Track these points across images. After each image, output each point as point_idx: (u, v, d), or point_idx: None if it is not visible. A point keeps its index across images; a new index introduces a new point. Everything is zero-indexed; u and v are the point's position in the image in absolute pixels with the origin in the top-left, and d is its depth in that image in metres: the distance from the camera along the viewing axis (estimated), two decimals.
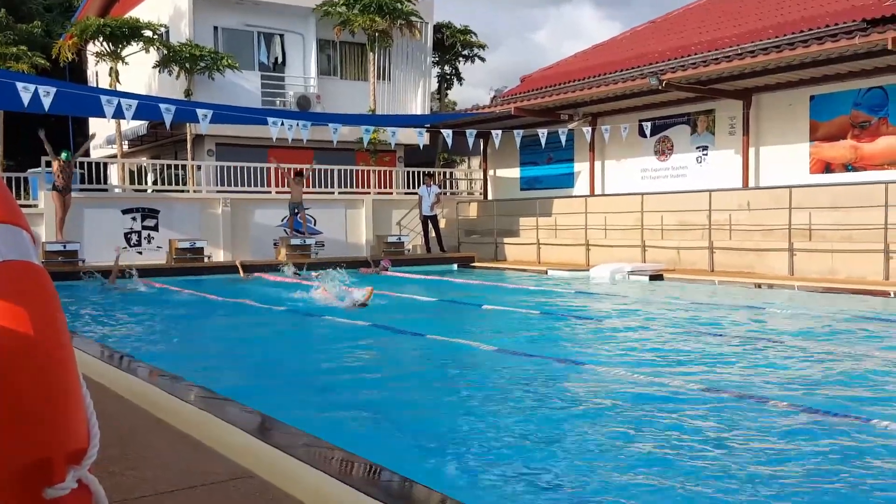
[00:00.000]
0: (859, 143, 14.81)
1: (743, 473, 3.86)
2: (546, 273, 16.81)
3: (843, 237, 13.74)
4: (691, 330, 8.69)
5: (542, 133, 18.27)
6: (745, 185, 16.36)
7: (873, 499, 3.55)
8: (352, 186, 21.44)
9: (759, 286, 13.29)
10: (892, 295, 11.56)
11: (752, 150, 16.49)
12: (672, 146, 18.31)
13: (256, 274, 16.33)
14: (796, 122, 15.78)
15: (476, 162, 25.18)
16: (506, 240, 20.32)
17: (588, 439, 4.51)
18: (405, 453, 4.30)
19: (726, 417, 4.92)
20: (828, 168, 15.32)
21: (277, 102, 22.47)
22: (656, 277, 14.86)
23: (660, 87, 16.17)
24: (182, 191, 19.62)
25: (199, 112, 15.14)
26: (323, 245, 19.83)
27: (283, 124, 16.03)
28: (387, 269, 17.54)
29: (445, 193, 22.72)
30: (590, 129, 19.06)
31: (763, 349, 7.51)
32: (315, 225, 20.13)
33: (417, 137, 18.20)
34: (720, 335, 8.36)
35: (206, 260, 17.57)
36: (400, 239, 20.01)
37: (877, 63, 13.95)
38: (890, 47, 12.49)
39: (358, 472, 3.22)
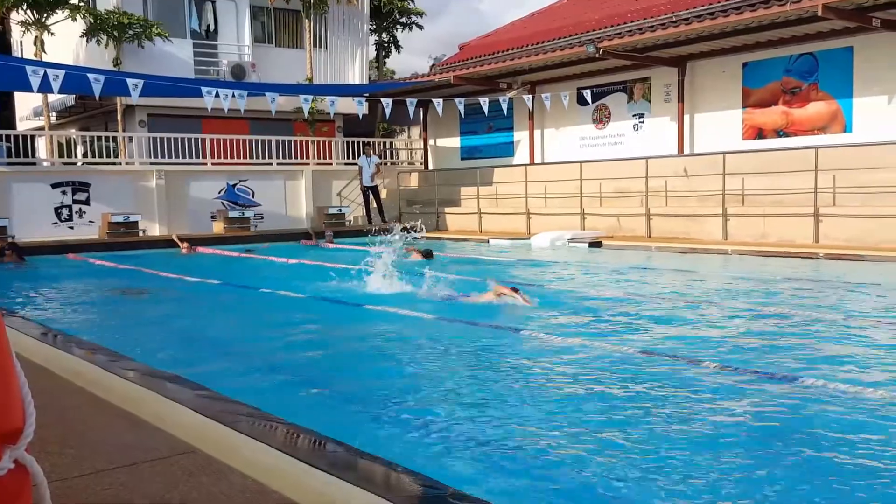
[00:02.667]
0: (790, 109, 15.23)
1: (677, 432, 3.98)
2: (488, 242, 16.92)
3: (775, 202, 14.18)
4: (628, 295, 8.87)
5: (484, 101, 18.26)
6: (681, 152, 16.69)
7: (802, 454, 3.71)
8: (290, 157, 21.11)
9: (695, 251, 13.65)
10: (822, 256, 12.01)
11: (686, 117, 16.80)
12: (609, 114, 18.52)
13: (199, 249, 16.02)
14: (729, 89, 16.13)
15: (416, 131, 25.05)
16: (447, 210, 20.35)
17: (527, 403, 4.58)
18: (349, 423, 4.30)
19: (659, 378, 5.06)
20: (760, 134, 15.73)
21: (211, 72, 21.88)
22: (595, 244, 15.11)
23: (596, 55, 16.30)
24: (114, 163, 19.02)
25: (130, 82, 14.63)
26: (262, 217, 19.54)
27: (217, 95, 15.62)
28: (331, 242, 17.40)
29: (386, 164, 22.58)
30: (530, 97, 19.13)
31: (695, 312, 7.72)
32: (253, 197, 19.80)
33: (356, 107, 17.98)
34: (654, 299, 8.56)
35: (140, 234, 17.15)
36: (341, 210, 19.85)
37: (807, 30, 14.32)
38: (820, 14, 12.82)
39: (303, 444, 3.21)
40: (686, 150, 16.72)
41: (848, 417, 4.13)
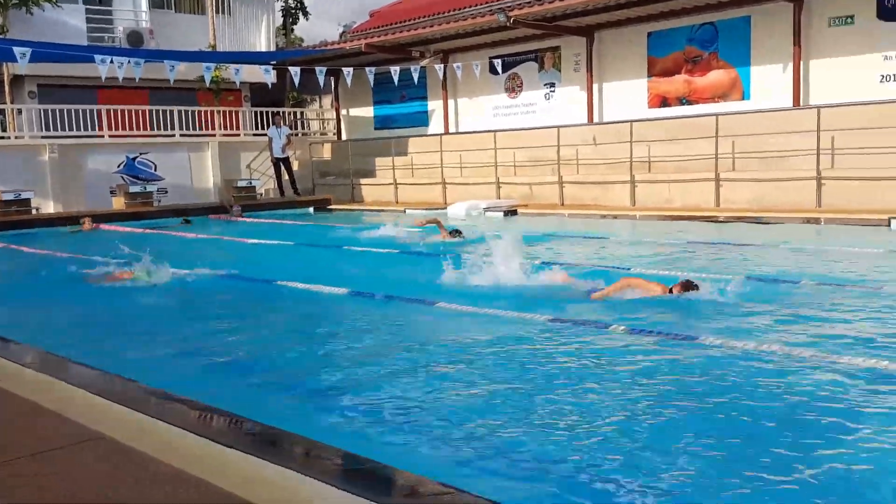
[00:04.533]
0: (692, 78, 15.66)
1: (584, 394, 4.06)
2: (404, 212, 16.83)
3: (679, 168, 14.61)
4: (543, 262, 8.93)
5: (395, 71, 18.02)
6: (590, 121, 16.96)
7: (702, 410, 3.85)
8: (195, 128, 20.35)
9: (605, 217, 13.96)
10: (723, 219, 12.48)
11: (595, 87, 17.05)
12: (521, 83, 18.62)
13: (97, 225, 15.30)
14: (635, 59, 16.44)
15: (328, 101, 24.56)
16: (362, 180, 20.11)
17: (445, 374, 4.59)
18: (263, 402, 4.20)
19: (570, 342, 5.15)
20: (664, 102, 16.13)
21: (106, 38, 20.78)
22: (511, 213, 15.25)
23: (507, 24, 16.30)
24: (2, 137, 17.89)
25: (17, 50, 13.73)
26: (166, 192, 18.83)
27: (112, 62, 14.85)
28: (240, 215, 16.95)
29: (297, 134, 22.08)
30: (442, 66, 19.00)
31: (605, 275, 7.87)
32: (155, 170, 19.03)
33: (264, 75, 17.43)
34: (569, 264, 8.67)
35: (33, 212, 16.25)
36: (251, 183, 19.32)
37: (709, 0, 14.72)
38: None
39: (217, 423, 3.10)
40: (595, 119, 17.00)
41: (751, 375, 4.30)
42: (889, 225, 10.59)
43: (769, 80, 14.51)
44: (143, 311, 7.11)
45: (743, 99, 14.94)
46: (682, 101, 15.84)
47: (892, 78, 12.97)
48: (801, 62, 13.90)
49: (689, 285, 6.23)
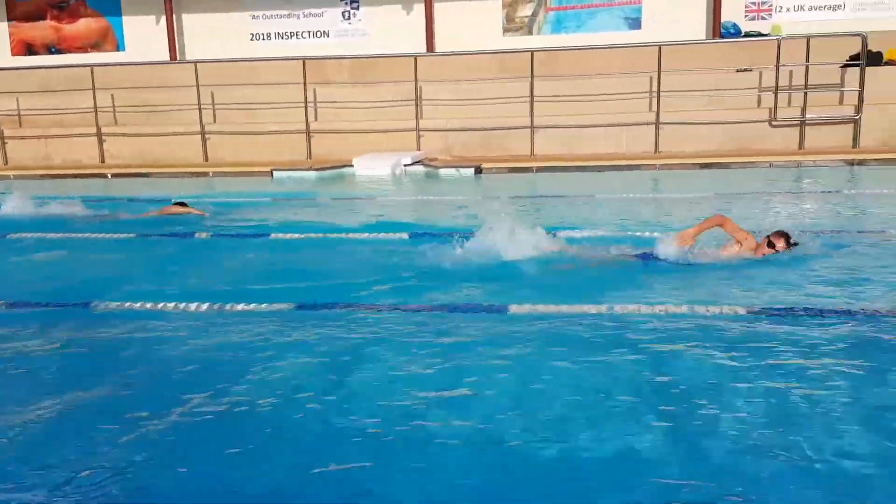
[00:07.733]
0: (61, 25, 14.38)
1: None
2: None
3: (56, 122, 13.32)
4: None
5: None
6: None
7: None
8: None
9: None
10: (109, 176, 11.87)
11: None
12: None
13: None
14: None
15: None
16: None
17: None
18: None
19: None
20: (31, 50, 14.47)
21: None
22: None
23: None
24: None
25: None
26: None
27: None
28: None
29: None
30: None
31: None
32: None
33: None
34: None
35: None
36: None
37: None
38: None
39: None
40: None
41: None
42: (272, 176, 11.42)
43: (143, 32, 14.22)
44: None
45: (118, 50, 14.36)
46: (52, 49, 14.44)
47: (262, 37, 13.94)
48: (175, 16, 13.96)
49: (788, 238, 4.91)
